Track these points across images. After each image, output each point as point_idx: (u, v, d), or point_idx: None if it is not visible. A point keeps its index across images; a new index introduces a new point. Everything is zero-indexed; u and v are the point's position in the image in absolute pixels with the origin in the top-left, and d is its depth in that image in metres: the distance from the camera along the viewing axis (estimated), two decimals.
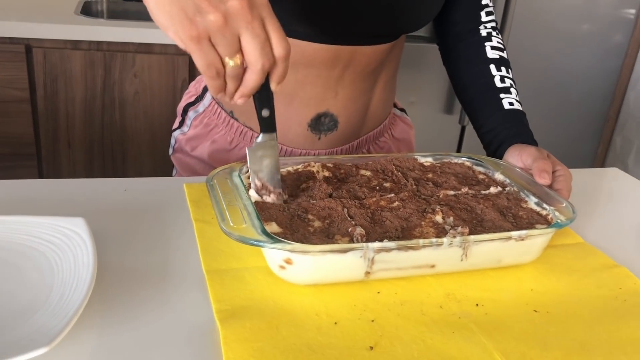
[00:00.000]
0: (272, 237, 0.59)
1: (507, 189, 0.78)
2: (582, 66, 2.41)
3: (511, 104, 0.93)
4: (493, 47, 0.97)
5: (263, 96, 0.64)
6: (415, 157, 0.84)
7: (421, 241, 0.62)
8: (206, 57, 0.56)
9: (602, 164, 2.63)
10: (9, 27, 1.70)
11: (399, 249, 0.62)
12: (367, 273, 0.63)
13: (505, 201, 0.74)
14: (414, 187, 0.76)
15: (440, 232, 0.66)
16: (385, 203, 0.70)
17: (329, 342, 0.56)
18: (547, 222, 0.70)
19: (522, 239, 0.66)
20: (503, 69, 0.95)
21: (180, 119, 1.04)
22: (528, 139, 0.89)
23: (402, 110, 1.12)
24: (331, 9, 0.82)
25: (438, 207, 0.70)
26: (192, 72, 1.87)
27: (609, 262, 0.73)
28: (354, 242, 0.62)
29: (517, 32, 2.25)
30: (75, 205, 0.75)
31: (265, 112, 0.66)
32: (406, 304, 0.62)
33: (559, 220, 0.69)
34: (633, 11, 2.37)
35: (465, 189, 0.76)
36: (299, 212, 0.67)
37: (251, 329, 0.56)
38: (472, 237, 0.64)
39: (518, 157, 0.85)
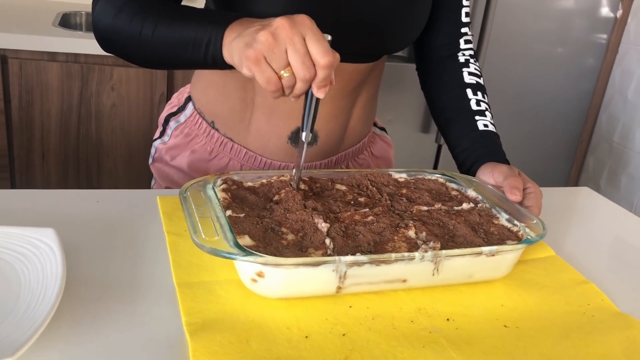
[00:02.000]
0: (245, 250, 0.59)
1: (479, 205, 0.79)
2: (556, 89, 2.45)
3: (485, 125, 0.95)
4: (470, 73, 1.00)
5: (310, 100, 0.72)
6: (390, 172, 0.85)
7: (393, 255, 0.62)
8: (264, 74, 0.66)
9: (575, 184, 2.67)
10: None
11: (370, 262, 0.62)
12: (339, 288, 0.63)
13: (477, 217, 0.75)
14: (388, 202, 0.76)
15: (413, 247, 0.66)
16: (360, 217, 0.70)
17: (299, 356, 0.56)
18: (517, 239, 0.71)
19: (493, 255, 0.67)
20: (479, 93, 0.99)
21: (162, 129, 1.04)
22: (500, 159, 0.91)
23: (382, 129, 1.14)
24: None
25: (411, 222, 0.70)
26: (170, 86, 1.87)
27: (579, 278, 0.75)
28: (327, 256, 0.62)
29: (492, 55, 2.29)
30: (46, 216, 0.74)
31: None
32: (377, 318, 0.62)
33: (529, 237, 0.70)
34: (605, 36, 2.43)
35: (438, 205, 0.76)
36: (273, 225, 0.67)
37: (221, 342, 0.56)
38: (444, 251, 0.64)
39: (490, 174, 0.86)
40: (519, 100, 2.43)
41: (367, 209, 0.73)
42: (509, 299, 0.69)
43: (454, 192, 0.83)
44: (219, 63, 0.73)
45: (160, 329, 0.58)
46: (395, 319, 0.62)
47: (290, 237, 0.66)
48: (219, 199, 0.69)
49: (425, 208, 0.75)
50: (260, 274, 0.60)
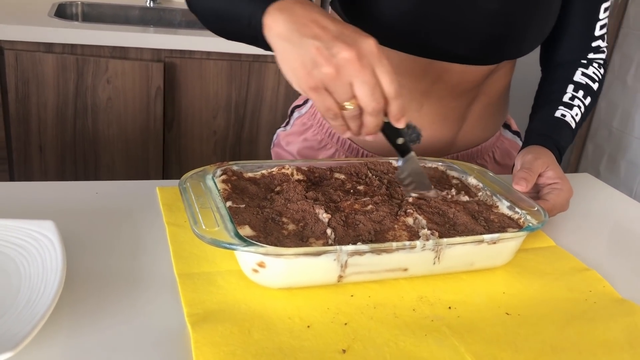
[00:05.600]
0: (245, 240, 0.58)
1: (480, 193, 0.79)
2: None
3: (563, 115, 0.90)
4: (584, 74, 0.94)
5: (391, 130, 0.68)
6: (390, 160, 0.85)
7: (394, 244, 0.62)
8: (324, 103, 0.62)
9: (575, 170, 2.67)
10: None
11: (372, 252, 0.62)
12: (340, 277, 0.63)
13: (477, 205, 0.75)
14: (387, 190, 0.76)
15: (413, 235, 0.66)
16: (359, 206, 0.70)
17: (302, 346, 0.55)
18: (518, 226, 0.71)
19: (494, 242, 0.67)
20: (581, 92, 0.93)
21: (288, 119, 1.10)
22: (548, 143, 0.87)
23: (516, 133, 1.08)
24: (428, 27, 0.83)
25: (410, 210, 0.70)
26: (167, 80, 1.86)
27: (580, 266, 0.74)
28: (328, 245, 0.62)
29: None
30: (45, 208, 0.74)
31: (399, 141, 0.71)
32: (379, 307, 0.62)
33: (530, 224, 0.70)
34: None
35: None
36: (273, 216, 0.67)
37: (223, 333, 0.56)
38: (445, 240, 0.64)
39: (520, 160, 0.83)
40: (518, 86, 2.41)
41: (366, 198, 0.72)
42: (511, 286, 0.69)
43: (454, 180, 0.83)
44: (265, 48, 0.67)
45: (161, 320, 0.57)
46: (397, 308, 0.62)
47: (291, 227, 0.66)
48: (218, 190, 0.69)
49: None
50: (261, 264, 0.60)
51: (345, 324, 0.59)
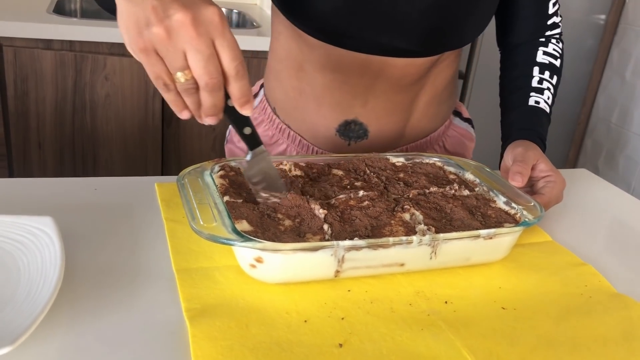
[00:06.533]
0: (243, 236, 0.59)
1: (477, 188, 0.79)
2: None
3: (537, 102, 0.90)
4: (545, 52, 0.94)
5: (237, 116, 0.63)
6: (387, 157, 0.85)
7: (391, 239, 0.63)
8: (152, 68, 0.57)
9: (574, 166, 2.67)
10: None
11: (369, 247, 0.62)
12: (337, 272, 0.63)
13: (474, 200, 0.75)
14: (385, 186, 0.77)
15: (410, 230, 0.66)
16: (355, 202, 0.70)
17: (299, 340, 0.56)
18: (515, 221, 0.71)
19: (491, 238, 0.67)
20: (547, 73, 0.92)
21: None
22: (534, 138, 0.87)
23: (468, 120, 1.07)
24: (362, 22, 0.82)
25: (408, 206, 0.70)
26: None
27: (576, 260, 0.75)
28: (325, 241, 0.62)
29: (490, 37, 2.27)
30: (44, 205, 0.74)
31: (246, 130, 0.66)
32: (376, 302, 0.63)
33: (526, 219, 0.70)
34: (603, 16, 2.41)
35: (434, 189, 0.77)
36: (269, 212, 0.67)
37: (220, 327, 0.56)
38: (441, 235, 0.64)
39: (510, 154, 0.83)
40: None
41: (362, 193, 0.73)
42: (507, 281, 0.69)
43: (451, 176, 0.83)
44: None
45: (159, 315, 0.58)
46: (394, 303, 0.63)
47: (288, 222, 0.66)
48: (216, 185, 0.69)
49: (422, 192, 0.75)
50: (258, 260, 0.61)
51: (342, 318, 0.59)
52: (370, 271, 0.65)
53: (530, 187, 0.82)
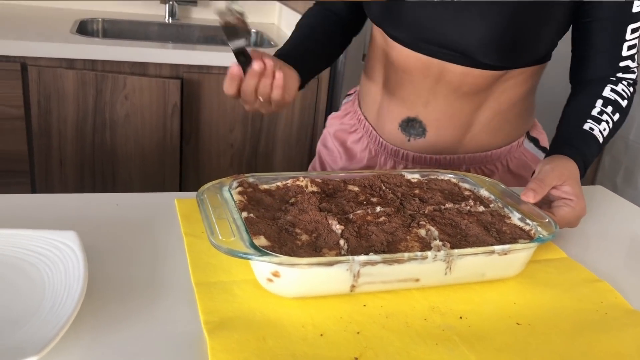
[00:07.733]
0: (260, 250, 0.60)
1: (492, 205, 0.80)
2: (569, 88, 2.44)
3: (591, 129, 0.89)
4: (613, 90, 0.93)
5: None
6: (403, 173, 0.86)
7: (406, 254, 0.63)
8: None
9: (592, 183, 2.65)
10: (6, 45, 1.72)
11: (384, 262, 0.63)
12: (353, 287, 0.64)
13: (489, 217, 0.76)
14: (400, 202, 0.77)
15: (425, 246, 0.67)
16: (372, 218, 0.72)
17: (315, 353, 0.57)
18: (529, 237, 0.72)
19: (505, 253, 0.68)
20: (610, 107, 0.91)
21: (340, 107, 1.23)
22: (574, 154, 0.85)
23: (543, 149, 1.07)
24: (425, 22, 0.91)
25: (423, 222, 0.71)
26: (186, 95, 1.89)
27: (591, 277, 0.75)
28: (341, 256, 0.63)
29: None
30: (67, 219, 0.76)
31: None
32: (391, 317, 0.63)
33: (541, 235, 0.71)
34: None
35: (450, 205, 0.77)
36: (287, 227, 0.68)
37: (238, 340, 0.57)
38: (456, 250, 0.65)
39: (540, 166, 0.83)
40: (538, 99, 2.41)
41: (379, 209, 0.74)
42: (522, 296, 0.69)
43: (466, 192, 0.84)
44: None
45: (179, 327, 0.59)
46: (409, 317, 0.63)
47: (305, 237, 0.67)
48: (235, 201, 0.71)
49: (437, 208, 0.76)
50: (275, 274, 0.62)
51: (358, 332, 0.60)
52: (386, 286, 0.66)
53: (549, 203, 0.81)
